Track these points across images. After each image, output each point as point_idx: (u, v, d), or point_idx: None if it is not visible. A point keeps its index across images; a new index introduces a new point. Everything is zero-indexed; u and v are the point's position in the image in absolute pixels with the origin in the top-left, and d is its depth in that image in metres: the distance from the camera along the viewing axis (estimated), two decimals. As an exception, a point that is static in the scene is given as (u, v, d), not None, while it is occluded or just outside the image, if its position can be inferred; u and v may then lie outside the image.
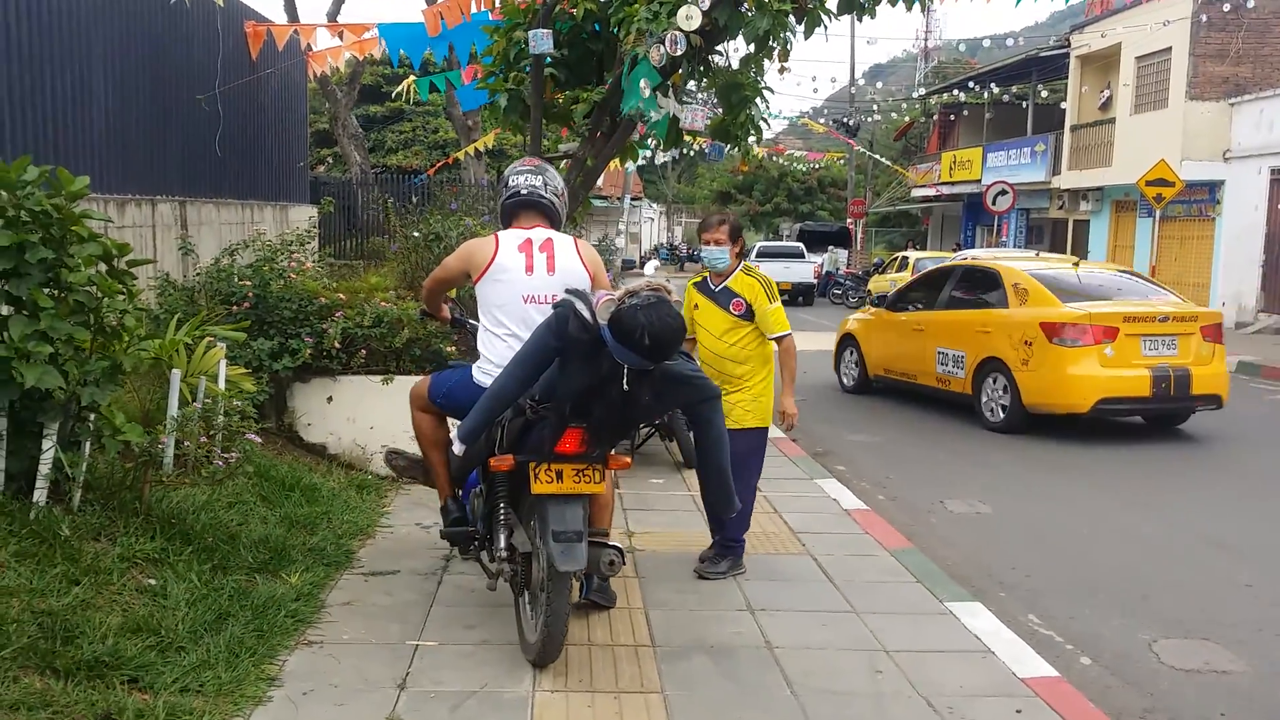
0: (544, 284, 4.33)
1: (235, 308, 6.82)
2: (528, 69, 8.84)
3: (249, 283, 6.94)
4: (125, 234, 7.81)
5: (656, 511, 6.57)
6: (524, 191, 4.51)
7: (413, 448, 5.08)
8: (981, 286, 10.70)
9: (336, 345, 6.78)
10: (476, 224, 7.82)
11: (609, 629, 4.51)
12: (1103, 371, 9.36)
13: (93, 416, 4.51)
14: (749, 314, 5.25)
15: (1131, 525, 6.82)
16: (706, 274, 5.48)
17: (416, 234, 7.69)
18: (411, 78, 14.21)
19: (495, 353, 4.33)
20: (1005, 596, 5.39)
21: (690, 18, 7.00)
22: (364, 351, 6.86)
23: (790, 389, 5.44)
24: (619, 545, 4.15)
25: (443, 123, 31.55)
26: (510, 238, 4.43)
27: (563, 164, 9.55)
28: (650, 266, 9.49)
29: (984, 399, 10.18)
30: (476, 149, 21.87)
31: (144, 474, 4.80)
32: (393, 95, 21.42)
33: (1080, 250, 26.68)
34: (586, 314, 3.74)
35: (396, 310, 6.85)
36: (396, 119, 34.07)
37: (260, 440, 5.51)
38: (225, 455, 5.23)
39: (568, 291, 3.94)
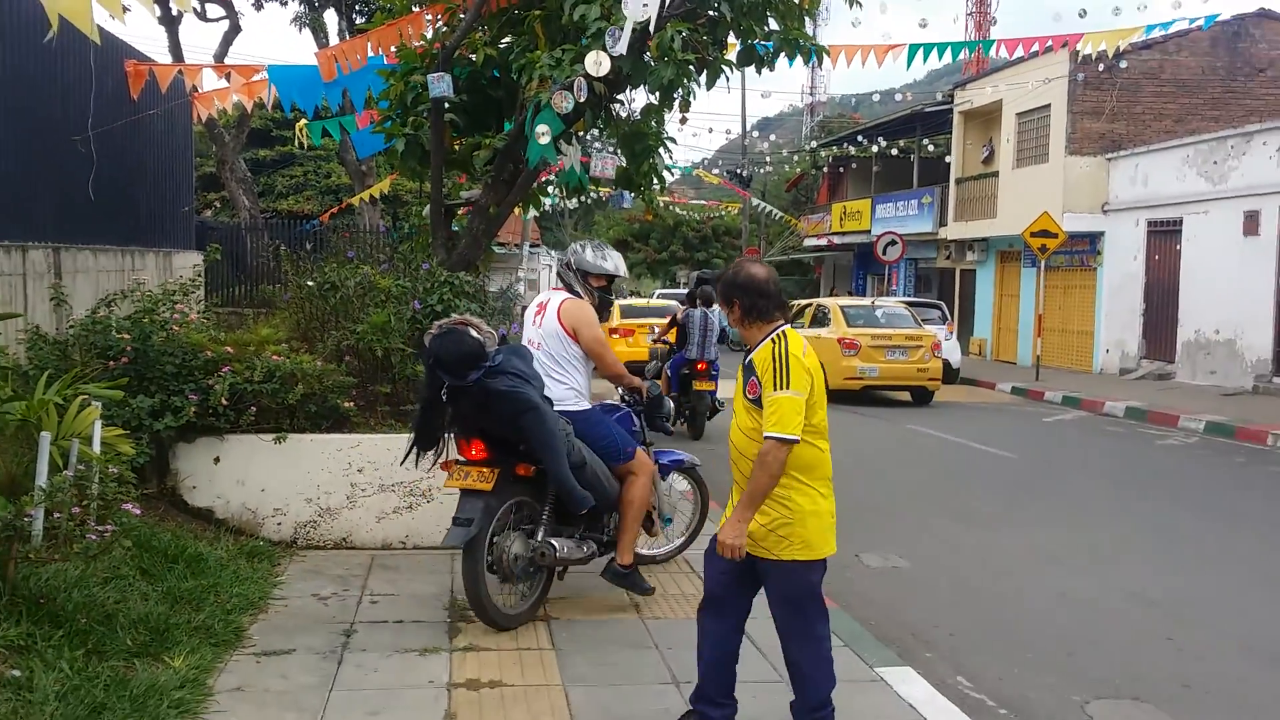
0: (534, 333, 5.65)
1: (113, 363, 6.31)
2: (426, 114, 8.60)
3: (128, 335, 6.44)
4: (-9, 283, 7.24)
5: (572, 573, 6.25)
6: (563, 270, 5.86)
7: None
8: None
9: (224, 402, 6.33)
10: (375, 273, 7.47)
11: (527, 709, 4.20)
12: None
13: (-53, 488, 4.03)
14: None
15: (1048, 577, 6.79)
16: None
17: (311, 282, 7.30)
18: (303, 122, 13.80)
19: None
20: (931, 657, 5.25)
21: (600, 63, 6.86)
22: (254, 409, 6.42)
23: (745, 509, 3.69)
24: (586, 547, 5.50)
25: (335, 167, 30.94)
26: (536, 300, 5.88)
27: (461, 211, 9.30)
28: None
29: None
30: (371, 195, 21.45)
31: (8, 550, 4.32)
32: (284, 140, 20.90)
33: (967, 299, 27.42)
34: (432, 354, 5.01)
35: (289, 364, 6.44)
36: (287, 163, 33.29)
37: (139, 510, 5.06)
38: (100, 528, 4.76)
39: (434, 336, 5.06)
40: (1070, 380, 19.88)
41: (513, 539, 5.18)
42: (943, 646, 5.43)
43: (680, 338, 12.59)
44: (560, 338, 5.54)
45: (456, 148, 9.84)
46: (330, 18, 24.42)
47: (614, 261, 5.79)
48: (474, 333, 4.99)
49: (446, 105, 8.85)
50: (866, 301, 19.38)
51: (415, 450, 5.26)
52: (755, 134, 45.88)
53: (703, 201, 43.93)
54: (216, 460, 6.49)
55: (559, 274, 5.90)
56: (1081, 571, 6.94)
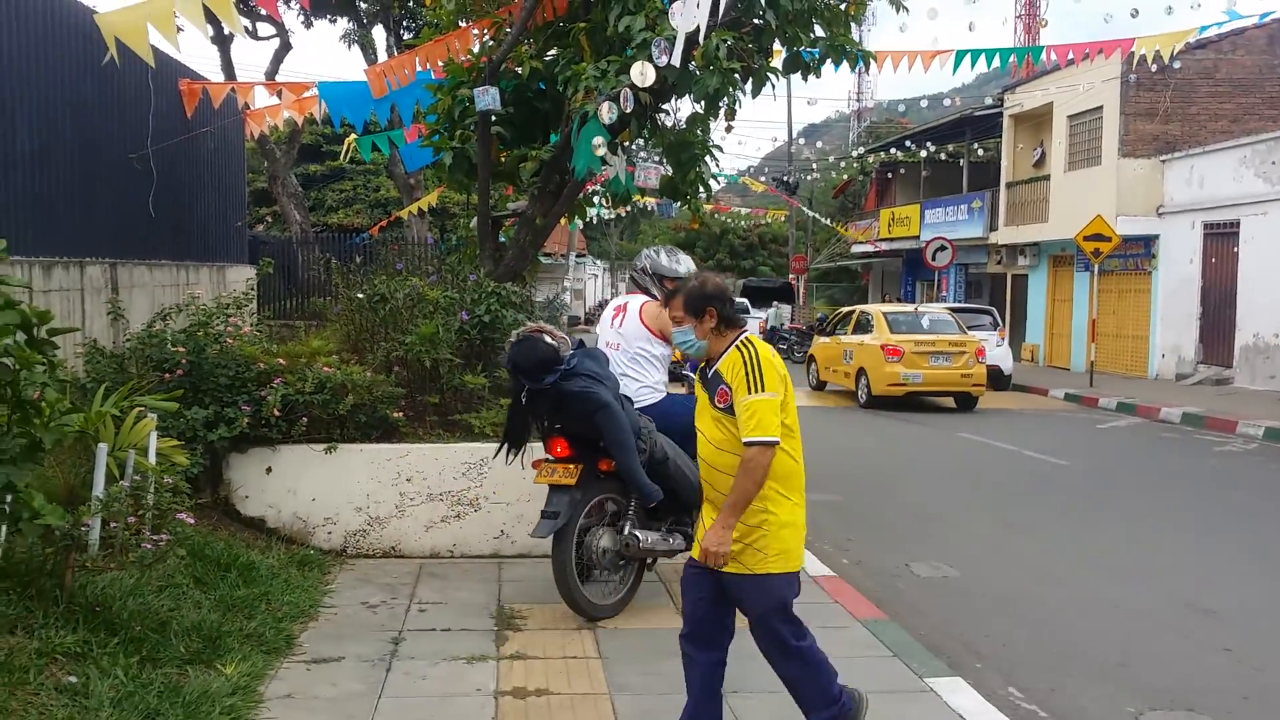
0: (613, 335, 6.00)
1: (168, 375, 6.45)
2: (473, 127, 8.68)
3: (183, 349, 6.58)
4: (52, 298, 7.41)
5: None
6: (638, 274, 6.22)
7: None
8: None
9: (276, 413, 6.43)
10: (424, 284, 7.55)
11: (574, 717, 4.21)
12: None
13: (9, 498, 4.14)
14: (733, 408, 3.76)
15: (1100, 586, 6.68)
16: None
17: (360, 295, 7.40)
18: (353, 137, 13.98)
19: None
20: (982, 668, 5.18)
21: (645, 74, 6.88)
22: (305, 419, 6.52)
23: (730, 516, 3.63)
24: (660, 536, 5.68)
25: (384, 181, 31.32)
26: (612, 304, 6.31)
27: (508, 222, 9.37)
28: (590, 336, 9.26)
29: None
30: (420, 208, 21.68)
31: (66, 559, 4.43)
32: (334, 155, 21.26)
33: (1018, 304, 27.06)
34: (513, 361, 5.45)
35: (340, 375, 6.53)
36: (337, 177, 33.79)
37: (193, 519, 5.15)
38: (155, 537, 4.86)
39: (513, 343, 5.49)
40: (1125, 386, 19.54)
41: (601, 533, 5.56)
42: (994, 657, 5.36)
43: None
44: (645, 337, 5.90)
45: (503, 160, 9.92)
46: (379, 34, 24.78)
47: (686, 265, 6.13)
48: (548, 339, 5.38)
49: (493, 118, 8.94)
50: (910, 308, 19.61)
51: (506, 449, 5.68)
52: (802, 140, 45.80)
53: (747, 209, 43.85)
54: (269, 470, 6.59)
55: (633, 278, 6.31)
56: (1136, 581, 6.81)
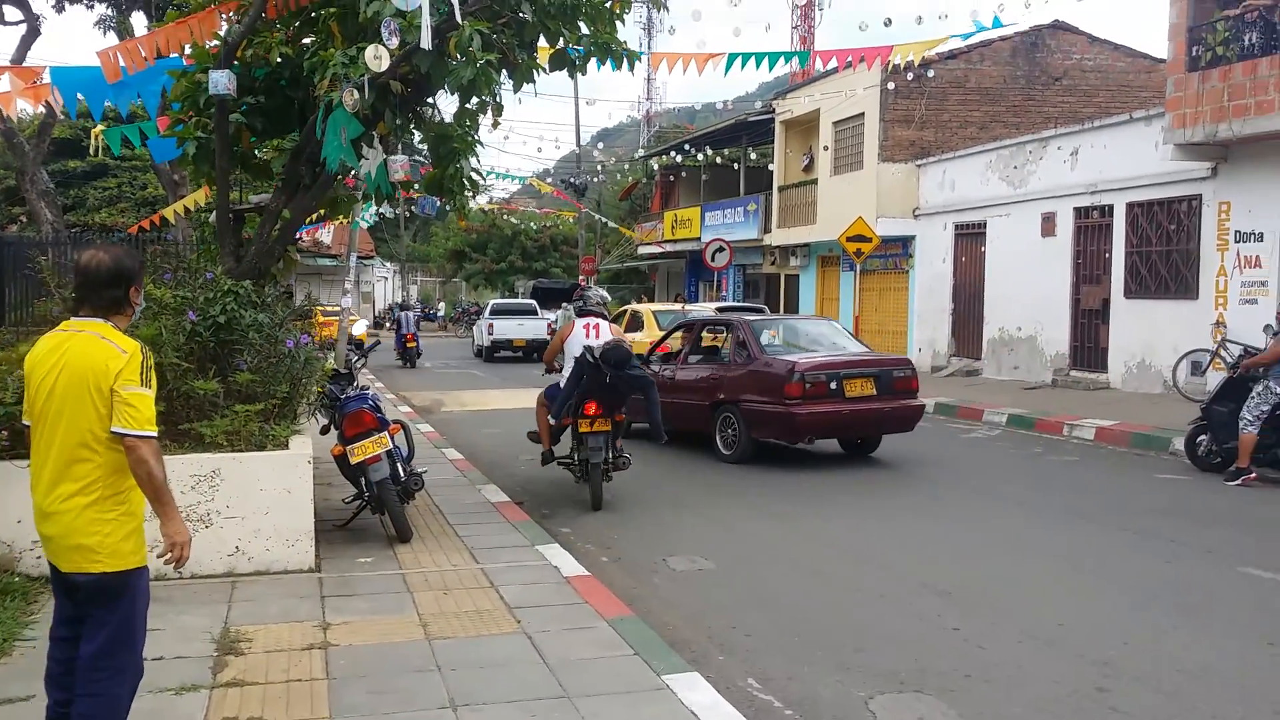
0: (595, 343, 8.87)
1: None
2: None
3: None
4: None
5: (359, 596, 5.97)
6: (593, 306, 9.48)
7: None
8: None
9: (-30, 427, 5.78)
10: (149, 282, 6.98)
11: (288, 745, 3.93)
12: None
13: None
14: None
15: (846, 572, 6.89)
16: None
17: (74, 296, 6.75)
18: (100, 128, 12.95)
19: (564, 375, 9.11)
20: (724, 660, 5.20)
21: (379, 58, 6.57)
22: (5, 432, 5.88)
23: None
24: (627, 456, 9.21)
25: (151, 178, 29.45)
26: (581, 324, 9.25)
27: (249, 216, 8.86)
28: (359, 326, 8.98)
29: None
30: (185, 206, 20.35)
31: None
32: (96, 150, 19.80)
33: (792, 303, 28.09)
34: (594, 354, 8.63)
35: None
36: (100, 174, 31.56)
37: None
38: None
39: (585, 347, 8.77)
40: (889, 379, 20.54)
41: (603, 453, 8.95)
42: (737, 648, 5.39)
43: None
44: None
45: (255, 152, 9.36)
46: (138, 20, 23.20)
47: (603, 298, 9.89)
48: (626, 343, 9.02)
49: (245, 107, 8.41)
50: (678, 306, 20.46)
51: (562, 411, 8.91)
52: (599, 145, 46.15)
53: (536, 210, 43.77)
54: (-38, 491, 5.91)
55: (590, 309, 9.44)
56: (879, 566, 7.06)
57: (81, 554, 3.42)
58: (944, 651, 5.35)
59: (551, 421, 9.02)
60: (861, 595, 6.39)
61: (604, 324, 9.28)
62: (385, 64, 6.70)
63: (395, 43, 6.64)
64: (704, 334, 13.23)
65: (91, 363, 3.40)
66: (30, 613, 5.50)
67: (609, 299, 9.51)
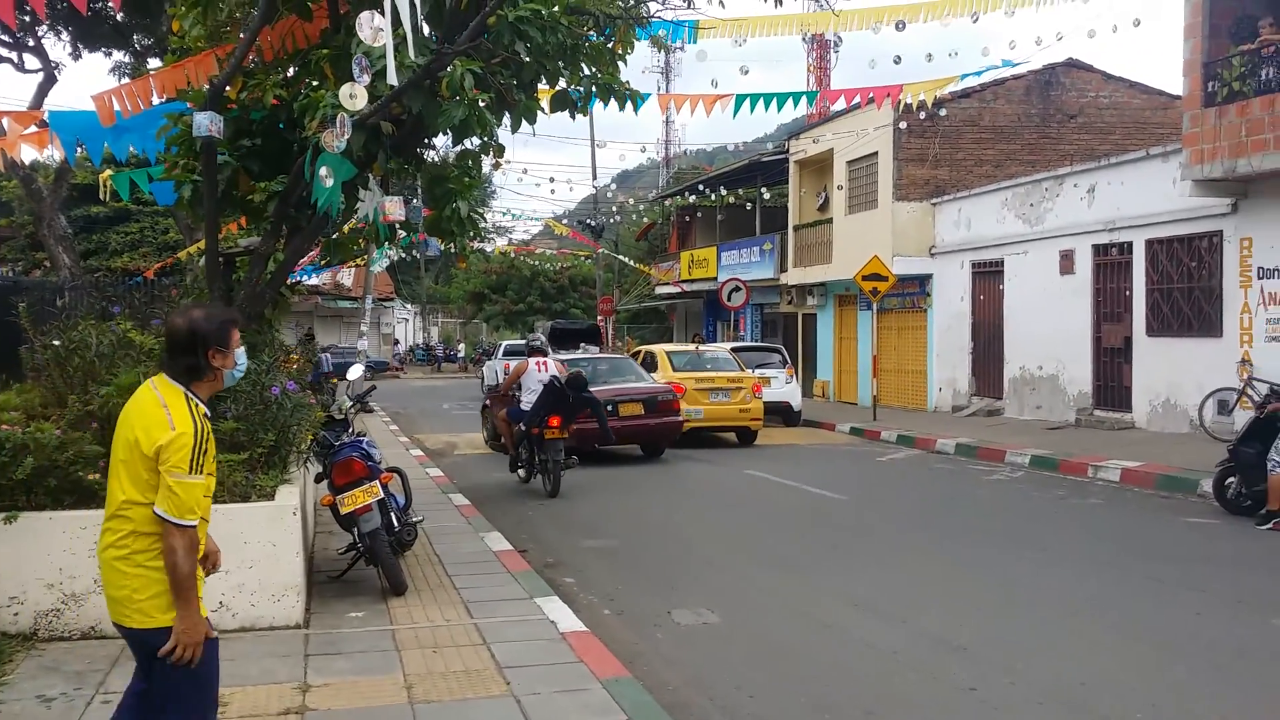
0: (546, 376, 11.96)
1: None
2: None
3: None
4: None
5: (344, 655, 5.70)
6: (539, 344, 13.10)
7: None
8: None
9: (-57, 480, 5.60)
10: (127, 328, 6.82)
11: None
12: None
13: None
14: None
15: (859, 627, 6.57)
16: None
17: (57, 343, 6.61)
18: (108, 173, 12.93)
19: (526, 400, 12.05)
20: (726, 725, 4.91)
21: (354, 97, 6.40)
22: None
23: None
24: (575, 459, 12.09)
25: (171, 222, 29.66)
26: (533, 361, 12.45)
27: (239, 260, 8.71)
28: (354, 370, 8.76)
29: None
30: (200, 248, 20.41)
31: None
32: (118, 196, 19.97)
33: (809, 342, 27.83)
34: (560, 381, 11.90)
35: (20, 435, 5.73)
36: (122, 219, 31.81)
37: None
38: None
39: (553, 376, 12.01)
40: (906, 419, 20.22)
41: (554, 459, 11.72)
42: (741, 712, 5.09)
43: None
44: (558, 374, 12.18)
45: (252, 195, 9.25)
46: (155, 65, 23.36)
47: (543, 340, 13.29)
48: (583, 374, 12.29)
49: (241, 150, 8.31)
50: (692, 347, 20.21)
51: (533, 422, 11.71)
52: (614, 186, 46.41)
53: (553, 252, 43.83)
54: (-66, 546, 5.71)
55: (539, 347, 12.90)
56: (891, 619, 6.73)
57: (113, 606, 3.43)
58: (959, 715, 5.03)
59: (521, 428, 12.00)
60: (871, 651, 6.07)
61: (550, 360, 12.64)
62: (361, 103, 6.52)
63: (367, 80, 6.46)
64: None
65: (140, 424, 3.34)
66: (3, 674, 5.27)
67: (545, 339, 14.27)
